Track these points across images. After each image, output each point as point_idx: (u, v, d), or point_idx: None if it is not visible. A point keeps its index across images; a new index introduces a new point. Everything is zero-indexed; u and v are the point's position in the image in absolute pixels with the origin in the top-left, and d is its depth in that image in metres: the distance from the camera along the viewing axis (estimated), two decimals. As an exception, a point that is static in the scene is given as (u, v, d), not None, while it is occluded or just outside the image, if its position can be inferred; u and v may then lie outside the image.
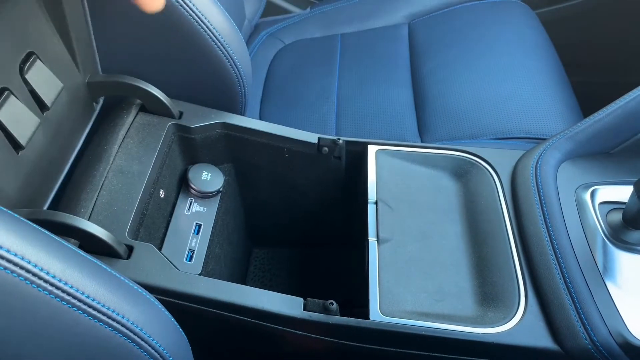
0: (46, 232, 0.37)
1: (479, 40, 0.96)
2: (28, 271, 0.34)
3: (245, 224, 0.78)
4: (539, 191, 0.57)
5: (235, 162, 0.69)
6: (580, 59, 1.23)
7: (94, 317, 0.37)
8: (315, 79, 0.97)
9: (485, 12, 1.03)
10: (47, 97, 0.52)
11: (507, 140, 0.79)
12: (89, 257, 0.39)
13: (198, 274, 0.56)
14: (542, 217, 0.56)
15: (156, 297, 0.49)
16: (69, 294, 0.36)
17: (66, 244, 0.38)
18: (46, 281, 0.35)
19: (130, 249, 0.50)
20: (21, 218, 0.36)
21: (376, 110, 0.88)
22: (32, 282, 0.34)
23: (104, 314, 0.37)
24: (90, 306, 0.37)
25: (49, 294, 0.35)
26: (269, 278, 0.81)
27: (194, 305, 0.50)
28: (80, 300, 0.36)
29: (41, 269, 0.34)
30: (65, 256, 0.37)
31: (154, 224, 0.56)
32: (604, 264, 0.53)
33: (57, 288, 0.35)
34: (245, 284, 0.80)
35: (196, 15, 0.60)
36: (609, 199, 0.57)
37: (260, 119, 0.93)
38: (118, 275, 0.41)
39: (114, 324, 0.38)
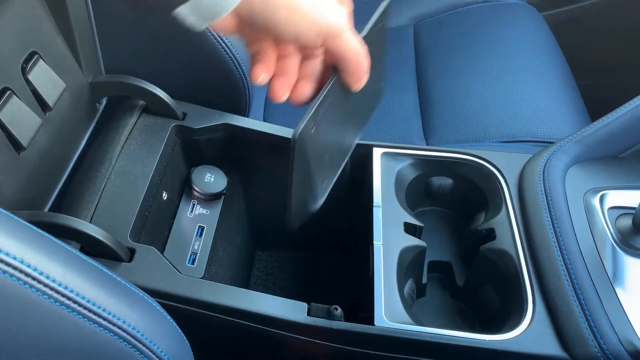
0: (46, 235, 0.37)
1: (486, 43, 0.95)
2: (27, 275, 0.33)
3: (248, 226, 0.78)
4: (546, 196, 0.56)
5: (239, 164, 0.68)
6: (586, 61, 1.22)
7: (94, 321, 0.36)
8: (320, 80, 0.96)
9: (492, 14, 1.02)
10: (50, 98, 0.52)
11: (514, 143, 0.78)
12: (89, 260, 0.39)
13: (201, 277, 0.55)
14: (550, 222, 0.55)
15: (158, 301, 0.48)
16: (69, 298, 0.35)
17: (67, 247, 0.38)
18: (46, 285, 0.34)
19: (132, 251, 0.50)
20: (21, 220, 0.36)
21: (381, 112, 0.88)
22: (31, 286, 0.33)
23: (104, 319, 0.37)
24: (90, 310, 0.36)
25: (49, 298, 0.34)
26: (273, 281, 0.80)
27: (196, 310, 0.49)
28: (80, 305, 0.35)
29: (41, 273, 0.34)
30: (66, 259, 0.36)
31: (156, 227, 0.56)
32: (613, 270, 0.52)
33: (57, 292, 0.34)
34: (248, 287, 0.79)
35: (200, 15, 0.60)
36: (618, 204, 0.56)
37: (265, 120, 0.92)
38: (119, 279, 0.40)
39: (115, 328, 0.37)
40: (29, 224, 0.36)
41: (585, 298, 0.49)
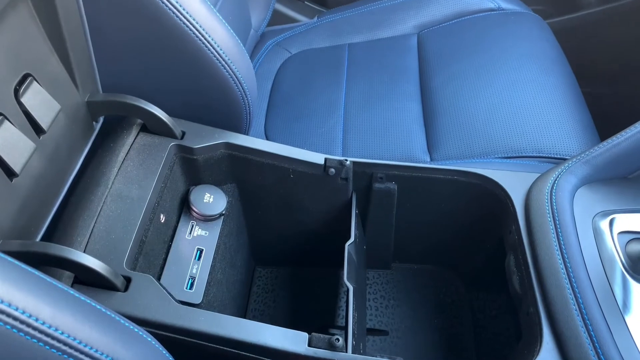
0: (36, 272, 0.35)
1: (491, 53, 0.93)
2: (15, 319, 0.32)
3: (248, 243, 0.76)
4: (554, 219, 0.55)
5: (239, 183, 0.67)
6: (592, 69, 1.21)
7: (87, 363, 0.35)
8: (322, 90, 0.95)
9: (497, 24, 1.00)
10: (44, 121, 0.50)
11: (519, 159, 0.76)
12: (81, 297, 0.37)
13: (199, 302, 0.54)
14: (557, 247, 0.53)
15: (154, 332, 0.47)
16: (59, 340, 0.34)
17: (57, 284, 0.36)
18: (35, 328, 0.33)
19: (128, 280, 0.48)
20: (9, 259, 0.34)
21: (384, 125, 0.86)
22: (19, 330, 0.32)
23: (97, 360, 0.35)
24: (82, 352, 0.35)
25: (38, 341, 0.33)
26: (273, 299, 0.79)
27: (194, 340, 0.48)
28: (72, 347, 0.34)
29: (29, 316, 0.33)
30: (55, 299, 0.35)
31: (153, 251, 0.55)
32: (623, 298, 0.50)
33: (47, 335, 0.33)
34: (248, 304, 0.78)
35: (199, 32, 0.58)
36: (628, 229, 0.55)
37: (265, 131, 0.91)
38: (112, 315, 0.39)
39: (109, 369, 0.36)
40: (17, 262, 0.35)
41: (594, 329, 0.48)
